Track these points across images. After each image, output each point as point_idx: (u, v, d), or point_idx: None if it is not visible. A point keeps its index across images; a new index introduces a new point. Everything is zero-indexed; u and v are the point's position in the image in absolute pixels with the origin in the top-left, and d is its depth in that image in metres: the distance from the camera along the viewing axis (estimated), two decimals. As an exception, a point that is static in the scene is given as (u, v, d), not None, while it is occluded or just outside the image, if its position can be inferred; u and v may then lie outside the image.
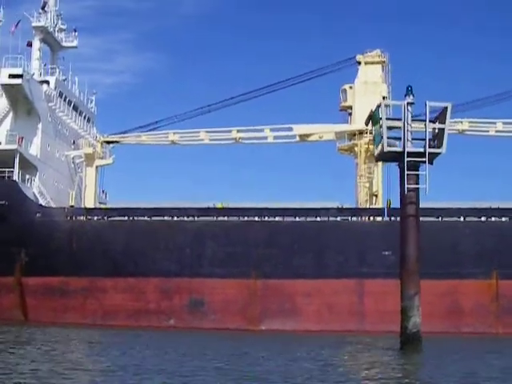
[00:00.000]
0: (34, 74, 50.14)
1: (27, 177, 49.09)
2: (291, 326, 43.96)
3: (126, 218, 46.86)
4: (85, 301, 46.33)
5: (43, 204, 48.53)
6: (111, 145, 56.28)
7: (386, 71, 53.22)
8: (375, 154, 30.77)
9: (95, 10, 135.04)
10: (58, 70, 53.98)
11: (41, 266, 46.25)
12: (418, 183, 28.22)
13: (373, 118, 29.71)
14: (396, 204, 47.90)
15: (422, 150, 28.14)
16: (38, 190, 49.65)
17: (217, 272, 45.19)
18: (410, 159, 27.87)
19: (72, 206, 48.75)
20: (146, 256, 45.84)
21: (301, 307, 44.49)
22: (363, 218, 46.16)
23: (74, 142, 56.31)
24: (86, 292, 46.24)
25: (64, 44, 57.55)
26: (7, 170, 48.07)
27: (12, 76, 48.40)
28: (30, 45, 56.07)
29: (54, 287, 46.41)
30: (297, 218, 45.76)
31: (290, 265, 45.03)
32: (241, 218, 46.18)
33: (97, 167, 54.66)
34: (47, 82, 53.02)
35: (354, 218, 46.09)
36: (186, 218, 46.50)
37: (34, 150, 50.46)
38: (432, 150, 28.28)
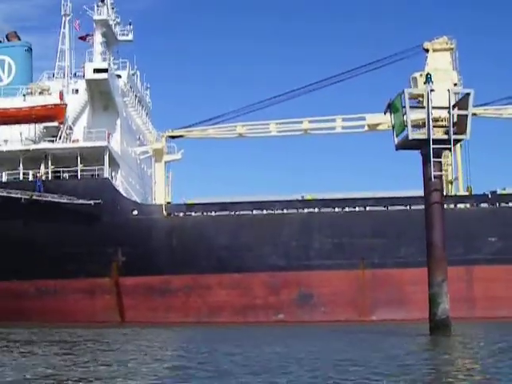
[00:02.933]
0: (116, 69, 45.99)
1: (113, 174, 45.21)
2: (401, 315, 41.93)
3: (228, 212, 43.52)
4: (188, 299, 43.30)
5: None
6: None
7: (453, 58, 51.41)
8: (395, 142, 29.26)
9: (45, 9, 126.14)
10: (128, 64, 49.88)
11: (139, 266, 42.88)
12: (441, 170, 27.92)
13: (393, 106, 28.76)
14: (477, 190, 47.59)
15: (446, 136, 27.51)
16: (123, 187, 45.81)
17: (325, 264, 42.74)
18: (434, 146, 27.18)
19: (169, 203, 45.02)
20: (252, 251, 43.11)
21: (410, 296, 42.45)
22: (466, 205, 44.45)
23: (138, 138, 52.49)
24: (188, 290, 43.14)
25: (120, 38, 53.29)
26: (96, 167, 44.08)
27: (97, 70, 44.37)
28: (83, 38, 51.84)
29: (153, 286, 43.08)
30: (402, 207, 43.54)
31: (397, 254, 42.94)
32: (345, 209, 43.65)
33: (165, 163, 50.71)
34: (119, 76, 48.95)
35: (459, 205, 44.27)
36: (290, 211, 43.60)
37: (114, 146, 46.51)
38: (457, 137, 27.79)
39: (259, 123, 51.84)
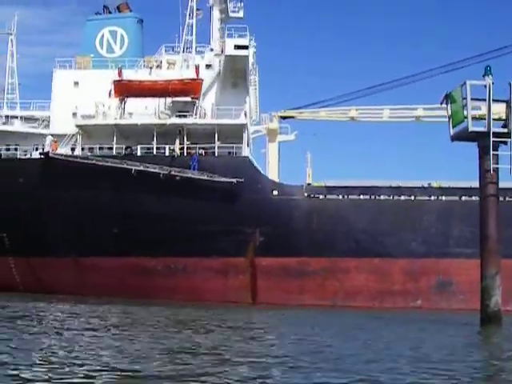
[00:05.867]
0: (255, 46, 43.65)
1: (244, 153, 43.26)
2: None
3: (368, 196, 41.81)
4: (324, 282, 41.52)
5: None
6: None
7: None
8: (451, 133, 28.56)
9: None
10: (252, 42, 47.38)
11: (276, 246, 41.09)
12: (497, 163, 26.92)
13: (451, 97, 27.96)
14: None
15: (505, 130, 26.51)
16: (255, 165, 43.90)
17: (464, 252, 41.20)
18: (494, 139, 26.29)
19: (309, 184, 43.04)
20: (392, 236, 41.50)
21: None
22: None
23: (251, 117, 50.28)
24: (325, 273, 41.47)
25: (231, 14, 50.56)
26: (234, 145, 42.02)
27: (238, 47, 42.05)
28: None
29: (290, 268, 41.32)
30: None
31: None
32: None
33: (279, 143, 48.70)
34: (245, 54, 46.61)
35: None
36: (430, 198, 42.00)
37: (246, 124, 44.45)
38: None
39: (373, 108, 50.07)
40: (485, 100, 26.75)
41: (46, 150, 42.63)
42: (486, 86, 26.58)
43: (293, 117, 50.29)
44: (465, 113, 26.36)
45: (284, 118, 50.14)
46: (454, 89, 27.48)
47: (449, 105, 27.82)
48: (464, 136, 27.45)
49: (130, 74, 44.56)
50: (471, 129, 26.13)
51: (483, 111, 27.61)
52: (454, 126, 27.65)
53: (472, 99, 26.47)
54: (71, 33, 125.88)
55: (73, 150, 44.57)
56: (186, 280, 41.73)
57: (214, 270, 41.65)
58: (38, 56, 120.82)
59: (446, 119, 50.64)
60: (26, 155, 45.00)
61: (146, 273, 41.80)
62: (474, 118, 27.25)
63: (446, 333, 25.09)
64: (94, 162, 41.54)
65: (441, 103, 29.85)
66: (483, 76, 26.96)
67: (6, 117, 47.32)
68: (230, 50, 42.38)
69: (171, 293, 40.97)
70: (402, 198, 42.36)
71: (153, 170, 40.95)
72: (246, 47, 42.39)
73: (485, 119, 26.76)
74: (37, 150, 45.20)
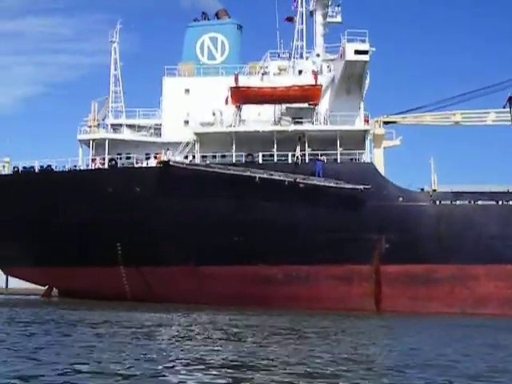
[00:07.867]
0: (374, 50, 42.51)
1: (366, 158, 42.29)
2: None
3: (497, 201, 40.66)
4: (453, 289, 40.16)
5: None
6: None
7: None
8: None
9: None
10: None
11: (403, 253, 39.88)
12: None
13: None
14: None
15: None
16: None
17: None
18: None
19: (434, 190, 41.87)
20: (523, 242, 40.01)
21: None
22: None
23: None
24: (454, 280, 40.11)
25: (329, 19, 49.46)
26: (357, 151, 41.00)
27: (358, 52, 41.02)
28: (289, 20, 48.34)
29: (417, 275, 40.22)
30: None
31: None
32: None
33: (384, 148, 47.50)
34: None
35: None
36: None
37: (361, 130, 43.40)
38: None
39: (478, 112, 48.85)
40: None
41: (164, 159, 41.66)
42: None
43: (395, 122, 49.24)
44: None
45: (386, 123, 49.08)
46: None
47: None
48: None
49: (244, 81, 43.55)
50: None
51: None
52: None
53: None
54: (96, 41, 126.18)
55: (185, 157, 43.62)
56: (308, 288, 40.72)
57: (338, 278, 40.57)
58: (63, 64, 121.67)
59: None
60: (137, 164, 44.03)
61: (266, 281, 40.77)
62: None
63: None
64: (215, 169, 40.52)
65: (504, 106, 28.83)
66: None
67: (113, 125, 46.44)
68: (351, 56, 41.31)
69: (291, 301, 39.99)
70: None
71: (278, 178, 39.92)
72: (366, 52, 41.32)
73: None
74: (147, 158, 44.31)
